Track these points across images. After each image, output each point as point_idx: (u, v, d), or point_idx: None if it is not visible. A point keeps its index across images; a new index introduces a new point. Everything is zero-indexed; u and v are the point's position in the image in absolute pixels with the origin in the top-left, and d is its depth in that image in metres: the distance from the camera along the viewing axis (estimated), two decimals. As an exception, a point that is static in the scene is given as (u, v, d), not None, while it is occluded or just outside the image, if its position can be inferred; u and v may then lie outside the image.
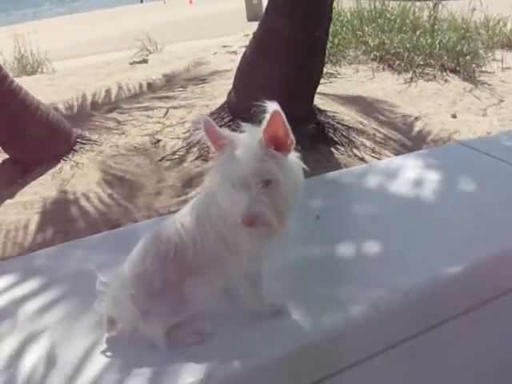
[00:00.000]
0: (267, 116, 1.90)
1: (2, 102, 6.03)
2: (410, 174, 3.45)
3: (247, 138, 1.96)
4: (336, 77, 8.96)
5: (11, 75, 11.53)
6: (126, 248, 2.21)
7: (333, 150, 6.07)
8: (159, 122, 7.11)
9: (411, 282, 2.40)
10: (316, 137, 6.11)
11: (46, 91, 9.55)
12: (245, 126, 2.03)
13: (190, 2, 47.51)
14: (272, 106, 1.91)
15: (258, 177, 1.87)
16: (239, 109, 6.31)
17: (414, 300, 2.36)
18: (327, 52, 9.40)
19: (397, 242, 2.69)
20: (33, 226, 5.09)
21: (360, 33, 10.39)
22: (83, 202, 5.44)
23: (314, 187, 3.32)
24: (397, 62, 9.31)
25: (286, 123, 1.96)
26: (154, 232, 2.18)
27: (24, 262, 2.83)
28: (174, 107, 7.57)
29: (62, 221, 5.15)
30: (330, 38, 9.76)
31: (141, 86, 9.18)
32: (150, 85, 9.24)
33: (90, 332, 2.22)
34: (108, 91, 8.99)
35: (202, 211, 2.10)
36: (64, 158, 6.27)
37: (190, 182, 5.62)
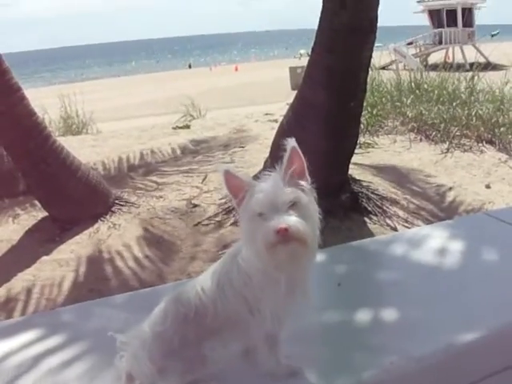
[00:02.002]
0: (287, 152, 2.02)
1: (44, 160, 6.22)
2: (434, 243, 3.49)
3: (269, 175, 2.07)
4: (373, 147, 9.06)
5: (57, 134, 11.93)
6: (150, 308, 2.28)
7: (366, 219, 6.12)
8: (197, 187, 7.25)
9: (425, 349, 2.42)
10: (350, 206, 6.18)
11: (89, 151, 9.83)
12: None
13: (236, 69, 48.56)
14: (290, 143, 2.03)
15: (284, 200, 2.00)
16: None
17: (426, 367, 2.39)
18: (365, 122, 9.57)
19: (414, 310, 2.73)
20: (67, 283, 5.20)
21: (398, 104, 10.52)
22: (118, 262, 5.55)
23: (339, 255, 3.39)
24: (434, 133, 9.38)
25: (302, 156, 2.13)
26: (174, 294, 2.26)
27: (51, 317, 2.92)
28: (213, 173, 7.71)
29: (96, 279, 5.26)
30: (369, 109, 9.93)
31: (182, 151, 9.38)
32: (190, 150, 9.44)
33: (110, 387, 2.29)
34: (148, 154, 9.22)
35: (223, 275, 2.18)
36: (102, 218, 6.41)
37: (225, 248, 5.67)
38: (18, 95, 6.03)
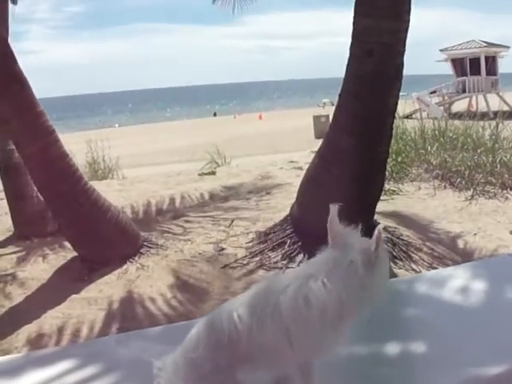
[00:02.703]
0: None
1: (76, 200, 6.38)
2: (458, 283, 3.52)
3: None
4: (398, 194, 9.13)
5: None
6: (182, 341, 2.35)
7: (391, 264, 6.16)
8: (224, 231, 7.35)
9: (453, 381, 2.47)
10: (375, 251, 6.21)
11: (116, 196, 9.98)
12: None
13: (260, 118, 48.95)
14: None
15: None
16: (301, 221, 6.53)
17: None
18: (390, 169, 9.65)
19: (441, 344, 2.75)
20: (96, 322, 5.28)
21: (423, 151, 10.63)
22: (146, 303, 5.63)
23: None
24: (458, 180, 9.43)
25: None
26: (208, 320, 2.30)
27: (86, 348, 3.00)
28: (239, 218, 7.82)
29: (124, 318, 5.34)
30: (394, 156, 10.02)
31: (209, 197, 9.51)
32: (216, 195, 9.57)
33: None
34: (175, 199, 9.36)
35: (264, 302, 2.23)
36: (130, 259, 6.51)
37: (252, 290, 5.73)
38: (52, 138, 6.23)
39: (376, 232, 2.09)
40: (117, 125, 64.89)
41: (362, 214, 6.33)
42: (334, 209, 2.18)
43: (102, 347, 2.97)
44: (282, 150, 20.72)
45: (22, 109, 6.07)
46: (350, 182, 6.01)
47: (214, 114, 72.68)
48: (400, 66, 5.86)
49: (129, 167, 16.00)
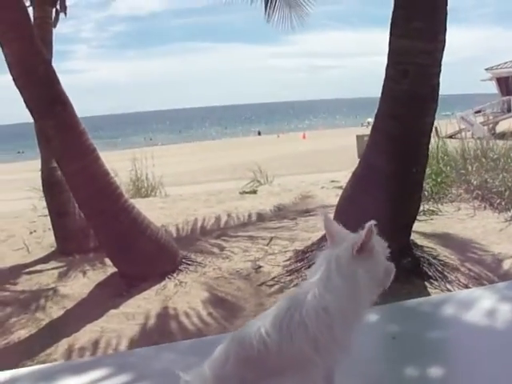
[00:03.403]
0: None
1: (116, 218, 6.54)
2: (487, 304, 3.52)
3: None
4: (437, 214, 9.08)
5: (126, 196, 12.36)
6: (211, 354, 2.42)
7: (426, 283, 6.15)
8: (262, 250, 7.41)
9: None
10: (411, 270, 6.20)
11: (158, 213, 10.14)
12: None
13: (303, 137, 49.03)
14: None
15: None
16: (338, 241, 6.54)
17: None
18: (430, 190, 9.63)
19: (460, 366, 2.77)
20: (132, 336, 5.37)
21: (463, 171, 10.55)
22: (182, 318, 5.72)
23: (394, 313, 3.49)
24: (498, 201, 9.34)
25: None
26: (237, 336, 2.38)
27: (119, 358, 3.09)
28: (278, 237, 7.88)
29: (160, 334, 5.42)
30: (433, 177, 9.99)
31: (249, 216, 9.59)
32: (257, 214, 9.64)
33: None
34: (217, 218, 9.47)
35: (289, 316, 2.32)
36: (169, 276, 6.61)
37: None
38: (93, 156, 6.40)
39: (367, 225, 2.37)
40: (161, 143, 65.53)
41: (398, 234, 6.35)
42: (325, 214, 2.38)
43: (134, 359, 3.06)
44: (325, 169, 20.69)
45: (64, 128, 6.29)
46: (386, 202, 5.99)
47: (259, 133, 73.01)
48: (436, 86, 5.88)
49: (172, 185, 16.17)
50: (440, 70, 5.89)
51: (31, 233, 9.76)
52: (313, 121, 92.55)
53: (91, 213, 6.62)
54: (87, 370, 2.83)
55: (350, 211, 6.49)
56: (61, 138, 6.30)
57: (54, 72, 6.39)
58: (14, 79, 6.14)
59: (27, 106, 6.22)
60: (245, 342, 2.30)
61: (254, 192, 12.66)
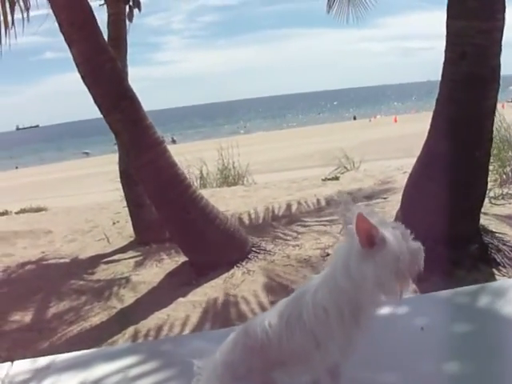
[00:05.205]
0: None
1: (184, 208, 6.71)
2: None
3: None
4: (518, 197, 8.84)
5: (214, 185, 12.65)
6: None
7: (494, 270, 6.01)
8: (334, 237, 7.40)
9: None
10: (479, 257, 6.09)
11: (237, 202, 10.31)
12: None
13: (395, 121, 48.31)
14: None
15: None
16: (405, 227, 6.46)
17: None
18: (510, 173, 9.38)
19: (486, 361, 2.69)
20: (196, 324, 5.50)
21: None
22: (245, 306, 5.81)
23: (425, 304, 3.47)
24: None
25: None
26: (245, 326, 2.47)
27: (152, 346, 3.20)
28: (350, 224, 7.83)
29: (224, 322, 5.52)
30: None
31: (326, 202, 9.58)
32: (333, 201, 9.61)
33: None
34: (292, 205, 9.54)
35: (291, 313, 2.37)
36: (237, 264, 6.73)
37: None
38: (160, 148, 6.57)
39: (355, 216, 2.34)
40: (253, 131, 65.97)
41: (464, 220, 6.26)
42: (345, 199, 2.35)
43: (166, 346, 3.18)
44: (414, 153, 20.26)
45: (131, 122, 6.49)
46: (449, 187, 5.91)
47: (354, 118, 72.66)
48: (496, 67, 5.71)
49: (261, 173, 16.30)
50: (500, 50, 5.72)
51: (114, 223, 10.14)
52: (405, 104, 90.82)
53: (159, 204, 6.81)
54: (120, 357, 2.96)
55: (414, 198, 6.44)
56: (128, 132, 6.51)
57: (120, 69, 6.62)
58: (82, 77, 6.38)
59: (95, 102, 6.47)
60: (250, 333, 2.38)
61: (337, 178, 12.66)
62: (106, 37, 7.37)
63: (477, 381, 2.55)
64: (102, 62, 6.39)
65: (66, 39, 6.33)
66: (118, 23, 8.16)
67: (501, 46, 5.73)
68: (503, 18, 5.65)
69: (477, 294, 3.48)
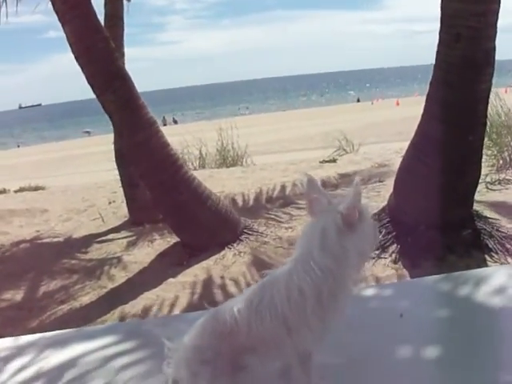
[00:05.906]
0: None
1: (176, 189, 6.73)
2: (500, 281, 3.35)
3: None
4: (513, 183, 8.82)
5: (213, 166, 12.65)
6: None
7: (486, 256, 5.98)
8: (328, 219, 7.39)
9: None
10: (471, 242, 6.07)
11: (233, 183, 10.31)
12: None
13: (397, 104, 48.13)
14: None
15: None
16: (397, 211, 6.49)
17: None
18: (508, 158, 9.36)
19: (472, 346, 2.67)
20: (184, 305, 5.54)
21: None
22: (234, 288, 5.84)
23: (407, 290, 3.46)
24: None
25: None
26: (214, 311, 2.47)
27: (132, 326, 3.21)
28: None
29: (211, 302, 5.53)
30: (512, 144, 9.67)
31: (322, 184, 9.53)
32: (330, 183, 9.62)
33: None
34: (286, 187, 9.54)
35: (262, 296, 2.36)
36: (229, 246, 6.76)
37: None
38: (152, 129, 6.57)
39: (354, 186, 2.08)
40: (256, 112, 65.84)
41: (457, 205, 6.25)
42: (309, 176, 2.24)
43: (146, 326, 3.20)
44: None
45: (124, 102, 6.48)
46: (442, 171, 5.91)
47: (358, 100, 72.47)
48: (490, 50, 5.66)
49: (260, 154, 16.26)
50: (495, 33, 5.66)
51: (110, 203, 10.16)
52: (408, 87, 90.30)
53: (151, 184, 6.83)
54: (97, 337, 2.98)
55: (407, 181, 6.44)
56: (121, 112, 6.51)
57: (113, 49, 6.57)
58: (75, 57, 6.37)
59: (88, 82, 6.46)
60: (219, 318, 2.37)
61: (334, 161, 12.65)
62: (103, 16, 7.37)
63: (455, 366, 2.54)
64: (94, 42, 6.38)
65: (59, 18, 6.32)
66: (114, 2, 8.13)
67: (496, 29, 5.68)
68: (498, 1, 5.60)
69: (461, 280, 3.43)
